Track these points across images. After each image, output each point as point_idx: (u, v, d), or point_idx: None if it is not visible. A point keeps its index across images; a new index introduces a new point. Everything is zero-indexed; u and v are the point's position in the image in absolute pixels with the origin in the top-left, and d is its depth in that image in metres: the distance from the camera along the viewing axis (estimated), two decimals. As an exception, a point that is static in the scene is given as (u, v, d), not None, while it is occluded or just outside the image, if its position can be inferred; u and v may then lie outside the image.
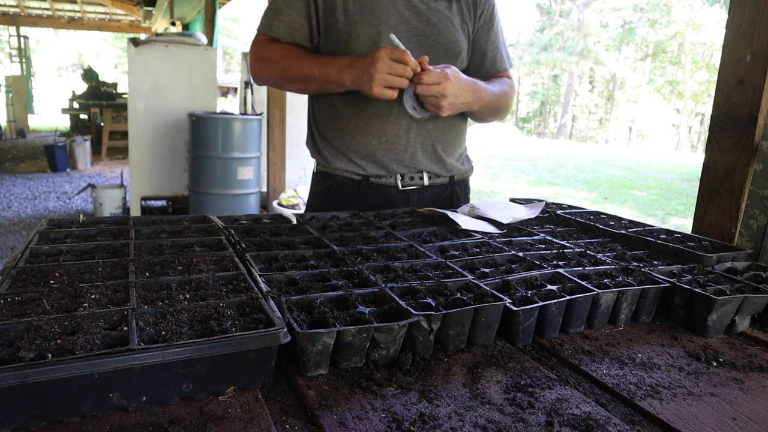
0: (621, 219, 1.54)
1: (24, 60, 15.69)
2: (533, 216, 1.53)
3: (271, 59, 1.54)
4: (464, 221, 1.38)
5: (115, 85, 12.90)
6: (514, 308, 0.86)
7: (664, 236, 1.35)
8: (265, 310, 0.77)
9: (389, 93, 1.35)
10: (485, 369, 0.81)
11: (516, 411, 0.70)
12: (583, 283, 0.97)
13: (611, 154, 17.92)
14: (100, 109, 10.91)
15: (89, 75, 12.83)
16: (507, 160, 14.71)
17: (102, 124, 10.80)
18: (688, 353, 0.90)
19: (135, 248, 1.05)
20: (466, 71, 1.58)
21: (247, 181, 5.25)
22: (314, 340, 0.73)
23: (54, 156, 9.26)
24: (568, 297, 0.91)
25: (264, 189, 5.86)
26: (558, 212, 1.58)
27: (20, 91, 14.32)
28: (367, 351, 0.78)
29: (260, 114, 5.51)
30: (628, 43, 29.10)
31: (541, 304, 0.89)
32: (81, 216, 1.28)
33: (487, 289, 0.91)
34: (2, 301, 0.77)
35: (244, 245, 1.11)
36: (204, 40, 6.05)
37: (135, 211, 5.78)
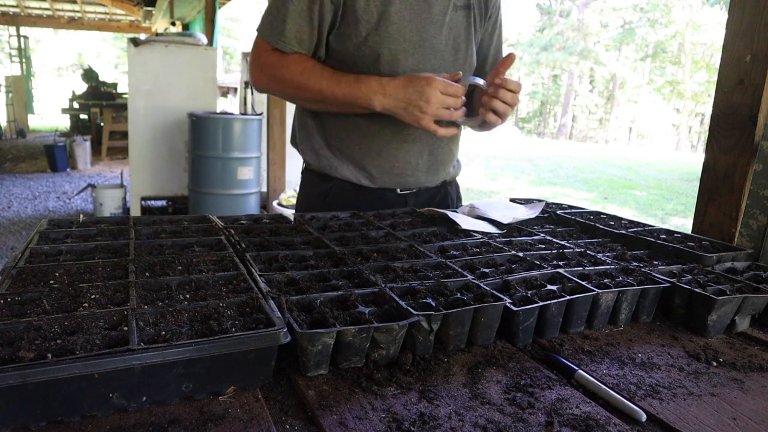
0: (621, 219, 1.54)
1: (24, 60, 15.69)
2: (533, 216, 1.53)
3: (280, 72, 1.41)
4: (464, 221, 1.38)
5: (115, 85, 12.90)
6: (514, 308, 0.86)
7: (664, 236, 1.35)
8: (265, 310, 0.77)
9: (438, 128, 1.30)
10: (485, 369, 0.81)
11: (516, 411, 0.70)
12: (583, 283, 0.97)
13: (611, 154, 17.92)
14: (100, 109, 10.91)
15: (89, 75, 12.83)
16: (507, 160, 14.71)
17: (102, 124, 10.80)
18: (688, 353, 0.90)
19: (135, 248, 1.05)
20: None
21: (247, 181, 5.25)
22: (314, 340, 0.73)
23: (54, 156, 9.27)
24: (568, 297, 0.91)
25: (264, 189, 5.87)
26: (558, 212, 1.58)
27: (20, 91, 14.32)
28: (367, 351, 0.78)
29: (260, 114, 5.51)
30: (628, 43, 29.11)
31: (541, 304, 0.89)
32: (81, 216, 1.28)
33: (487, 289, 0.91)
34: (2, 301, 0.77)
35: (244, 245, 1.11)
36: (204, 40, 6.05)
37: (135, 211, 5.78)
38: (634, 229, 1.40)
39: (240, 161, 5.15)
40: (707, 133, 1.44)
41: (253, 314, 0.77)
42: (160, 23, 12.45)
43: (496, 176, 12.18)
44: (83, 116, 12.54)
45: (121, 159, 10.21)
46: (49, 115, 20.86)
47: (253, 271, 0.94)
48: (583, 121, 33.51)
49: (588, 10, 29.61)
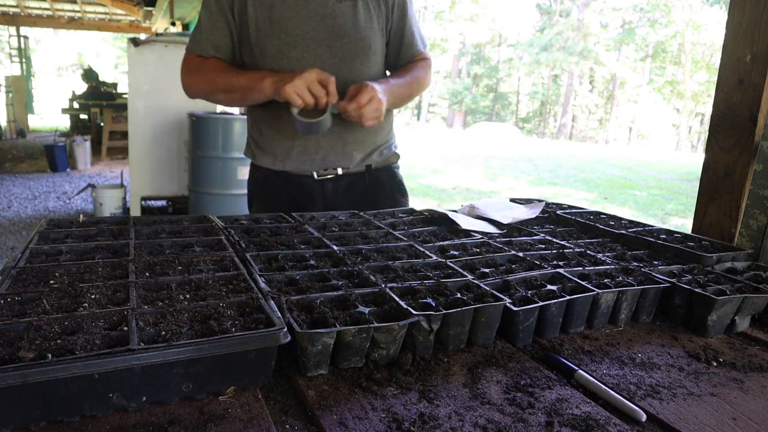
0: (621, 219, 1.54)
1: (24, 60, 15.69)
2: (533, 216, 1.53)
3: (200, 73, 1.66)
4: (464, 221, 1.38)
5: (115, 85, 12.90)
6: (514, 308, 0.86)
7: (664, 236, 1.35)
8: (265, 310, 0.77)
9: (297, 101, 1.43)
10: (485, 369, 0.81)
11: (516, 411, 0.70)
12: (583, 283, 0.97)
13: (611, 154, 17.91)
14: (100, 109, 10.91)
15: (89, 75, 12.83)
16: (507, 160, 14.71)
17: (102, 124, 10.80)
18: (688, 353, 0.90)
19: (135, 248, 1.05)
20: (385, 60, 1.74)
21: (247, 181, 5.25)
22: (314, 340, 0.73)
23: (54, 156, 9.26)
24: (568, 297, 0.91)
25: (264, 189, 5.85)
26: (558, 212, 1.58)
27: (20, 91, 14.32)
28: (367, 351, 0.78)
29: (260, 114, 5.51)
30: (628, 43, 29.10)
31: (541, 304, 0.89)
32: (81, 216, 1.28)
33: (487, 289, 0.91)
34: (2, 301, 0.77)
35: (244, 245, 1.11)
36: (204, 40, 6.03)
37: (135, 211, 5.78)
38: (634, 229, 1.40)
39: (240, 161, 5.15)
40: (707, 133, 1.44)
41: (253, 314, 0.77)
42: (160, 23, 12.44)
43: (496, 176, 12.18)
44: (83, 116, 12.54)
45: (121, 159, 10.21)
46: (49, 115, 20.86)
47: (253, 271, 0.94)
48: (583, 121, 33.51)
49: (588, 10, 29.61)
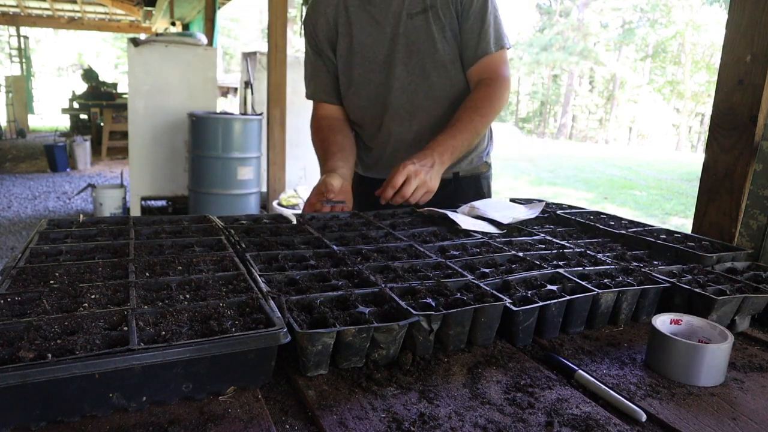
0: (621, 219, 1.54)
1: (24, 60, 15.68)
2: (533, 216, 1.53)
3: (314, 130, 1.78)
4: (464, 221, 1.38)
5: (115, 85, 12.90)
6: (514, 308, 0.86)
7: (664, 236, 1.35)
8: (265, 310, 0.77)
9: (307, 208, 1.53)
10: (485, 369, 0.81)
11: (516, 411, 0.70)
12: (583, 283, 0.97)
13: (611, 154, 17.90)
14: (100, 109, 10.91)
15: (89, 75, 12.83)
16: (507, 160, 14.70)
17: (102, 124, 10.79)
18: (688, 353, 0.90)
19: (135, 248, 1.05)
20: (461, 68, 1.65)
21: (247, 181, 5.25)
22: (314, 340, 0.73)
23: (54, 156, 9.26)
24: (568, 297, 0.91)
25: (264, 189, 5.86)
26: (558, 212, 1.58)
27: (20, 91, 14.31)
28: (367, 351, 0.78)
29: (260, 114, 5.51)
30: (628, 43, 29.09)
31: (541, 304, 0.89)
32: (81, 216, 1.28)
33: (487, 289, 0.91)
34: (2, 301, 0.77)
35: (244, 245, 1.11)
36: (204, 40, 6.05)
37: (135, 211, 5.78)
38: (634, 229, 1.40)
39: (240, 161, 5.15)
40: (707, 133, 1.44)
41: (253, 314, 0.77)
42: (160, 23, 12.45)
43: (496, 176, 12.10)
44: (83, 116, 12.54)
45: (121, 159, 10.21)
46: (49, 115, 20.84)
47: (253, 271, 0.94)
48: (583, 121, 33.50)
49: (588, 10, 29.60)
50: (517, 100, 37.07)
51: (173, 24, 10.17)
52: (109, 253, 1.04)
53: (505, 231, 1.38)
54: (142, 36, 9.47)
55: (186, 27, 11.75)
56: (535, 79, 35.31)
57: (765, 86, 1.28)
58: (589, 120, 33.28)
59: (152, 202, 6.36)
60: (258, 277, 0.91)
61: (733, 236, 1.36)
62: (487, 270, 1.03)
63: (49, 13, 14.00)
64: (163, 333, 0.70)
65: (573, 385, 0.78)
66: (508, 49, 1.66)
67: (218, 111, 5.96)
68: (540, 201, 1.69)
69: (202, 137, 5.08)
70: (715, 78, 1.40)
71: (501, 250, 1.17)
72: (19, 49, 15.45)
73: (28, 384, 0.60)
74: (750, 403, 0.75)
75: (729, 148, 1.37)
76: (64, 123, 15.60)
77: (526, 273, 1.02)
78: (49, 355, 0.62)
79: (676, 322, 0.88)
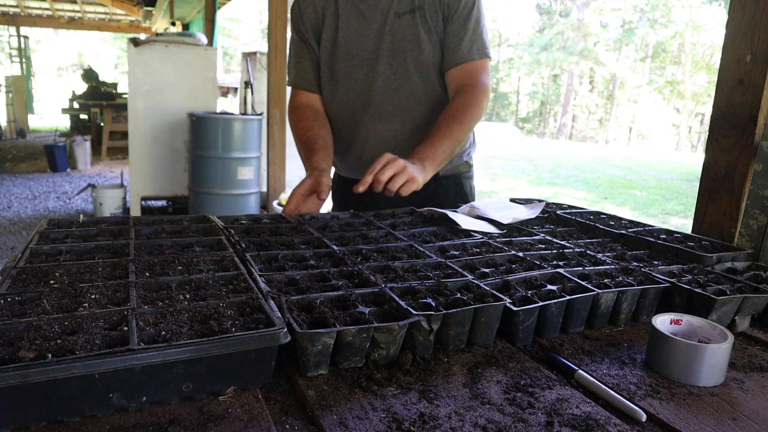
0: (621, 219, 1.54)
1: (24, 60, 15.69)
2: (533, 216, 1.53)
3: (293, 118, 1.79)
4: (464, 221, 1.38)
5: (115, 85, 12.90)
6: (514, 308, 0.86)
7: (664, 236, 1.35)
8: (265, 310, 0.77)
9: (287, 208, 1.53)
10: (485, 369, 0.81)
11: (516, 411, 0.70)
12: (583, 283, 0.97)
13: (611, 154, 17.90)
14: (100, 109, 10.91)
15: (89, 75, 12.83)
16: (507, 160, 14.70)
17: (102, 124, 10.80)
18: (688, 353, 0.90)
19: (135, 248, 1.05)
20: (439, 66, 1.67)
21: (247, 181, 5.25)
22: (314, 340, 0.73)
23: (54, 156, 9.26)
24: (568, 297, 0.91)
25: (264, 189, 5.86)
26: (558, 212, 1.58)
27: (20, 91, 14.32)
28: (367, 351, 0.78)
29: (260, 114, 5.51)
30: (628, 43, 29.10)
31: (541, 304, 0.89)
32: (81, 216, 1.28)
33: (487, 289, 0.91)
34: (2, 301, 0.77)
35: (244, 245, 1.11)
36: (204, 40, 6.05)
37: (135, 211, 5.78)
38: (634, 229, 1.40)
39: (240, 161, 5.15)
40: (707, 133, 1.44)
41: (253, 314, 0.77)
42: (160, 23, 12.45)
43: (496, 176, 12.17)
44: (83, 116, 12.54)
45: (121, 159, 10.21)
46: (49, 115, 20.85)
47: (253, 271, 0.94)
48: (583, 121, 33.49)
49: (588, 10, 29.60)
50: (517, 100, 37.07)
51: (173, 24, 10.17)
52: (109, 253, 1.04)
53: (505, 231, 1.38)
54: (142, 36, 9.47)
55: (186, 27, 11.75)
56: (535, 79, 35.30)
57: (765, 86, 1.28)
58: (589, 120, 33.27)
59: (152, 202, 6.36)
60: (258, 277, 0.91)
61: (733, 236, 1.36)
62: (487, 270, 1.03)
63: (49, 13, 13.99)
64: (163, 333, 0.70)
65: (573, 385, 0.78)
66: (490, 59, 1.67)
67: (218, 111, 5.96)
68: (540, 201, 1.69)
69: (202, 137, 5.08)
70: (715, 78, 1.40)
71: (501, 250, 1.17)
72: (19, 49, 15.45)
73: (28, 384, 0.60)
74: (750, 403, 0.75)
75: (729, 148, 1.37)
76: (64, 123, 15.60)
77: (526, 273, 1.02)
78: (49, 355, 0.62)
79: (676, 322, 0.88)
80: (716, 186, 1.40)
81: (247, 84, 6.31)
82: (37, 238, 1.10)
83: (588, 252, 1.20)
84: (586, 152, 18.56)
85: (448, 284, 0.92)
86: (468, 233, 1.32)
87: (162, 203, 6.38)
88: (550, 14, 32.00)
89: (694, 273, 1.09)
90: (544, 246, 1.24)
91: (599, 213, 1.61)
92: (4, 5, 13.27)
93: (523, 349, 0.89)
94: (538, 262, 1.09)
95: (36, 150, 11.63)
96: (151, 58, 5.54)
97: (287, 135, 5.66)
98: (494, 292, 0.89)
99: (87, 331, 0.70)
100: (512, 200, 1.73)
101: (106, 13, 14.25)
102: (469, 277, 0.97)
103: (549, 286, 0.95)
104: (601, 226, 1.41)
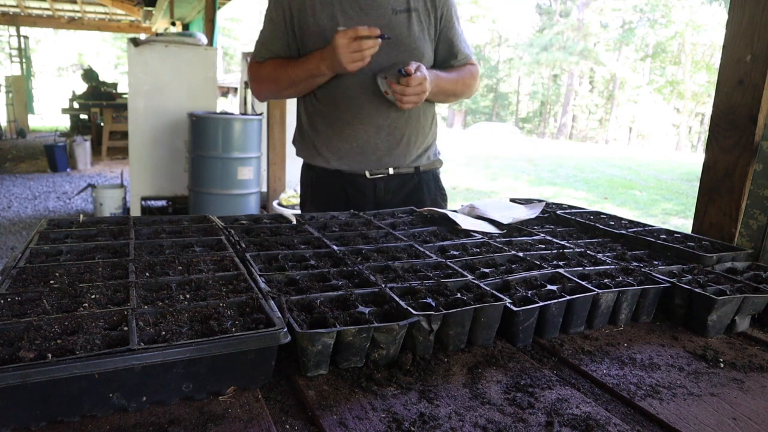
0: (621, 219, 1.54)
1: (24, 60, 15.68)
2: (533, 216, 1.53)
3: (263, 76, 1.78)
4: (464, 221, 1.38)
5: (115, 85, 12.89)
6: (514, 308, 0.86)
7: (664, 236, 1.35)
8: (265, 310, 0.77)
9: (360, 64, 1.55)
10: (485, 369, 0.81)
11: (516, 411, 0.70)
12: (583, 283, 0.97)
13: (611, 154, 17.90)
14: (100, 109, 10.90)
15: (89, 75, 12.83)
16: (507, 160, 14.70)
17: (102, 124, 10.79)
18: (688, 353, 0.90)
19: (135, 248, 1.05)
20: (433, 66, 1.78)
21: (247, 181, 5.25)
22: (314, 340, 0.73)
23: (54, 156, 9.26)
24: (568, 297, 0.91)
25: (264, 189, 5.86)
26: (558, 212, 1.58)
27: (20, 91, 14.31)
28: (367, 351, 0.78)
29: (260, 114, 5.51)
30: (628, 43, 29.09)
31: (541, 304, 0.89)
32: (81, 216, 1.28)
33: (487, 289, 0.91)
34: (2, 301, 0.77)
35: (244, 245, 1.11)
36: (204, 40, 6.04)
37: (135, 211, 5.77)
38: (634, 229, 1.40)
39: (240, 161, 5.15)
40: (707, 133, 1.44)
41: (253, 314, 0.77)
42: (160, 23, 12.44)
43: (496, 176, 12.17)
44: (83, 116, 12.53)
45: (121, 159, 10.20)
46: (49, 115, 20.84)
47: (253, 271, 0.94)
48: (583, 121, 33.48)
49: (588, 10, 29.60)
50: (517, 100, 37.05)
51: (173, 24, 10.16)
52: (109, 253, 1.04)
53: (505, 231, 1.38)
54: (142, 36, 9.47)
55: (186, 27, 11.74)
56: (535, 79, 35.30)
57: (765, 86, 1.28)
58: (589, 120, 33.27)
59: (152, 202, 6.36)
60: (258, 277, 0.91)
61: (733, 236, 1.36)
62: (487, 270, 1.03)
63: (49, 13, 13.99)
64: (163, 333, 0.70)
65: (572, 383, 0.78)
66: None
67: (218, 111, 5.96)
68: (540, 201, 1.69)
69: (202, 137, 5.08)
70: (715, 78, 1.40)
71: (501, 250, 1.17)
72: (19, 49, 15.44)
73: (28, 384, 0.60)
74: (750, 403, 0.75)
75: (729, 148, 1.36)
76: (64, 123, 15.59)
77: (526, 273, 1.02)
78: (49, 355, 0.62)
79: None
80: (716, 186, 1.40)
81: (247, 84, 6.30)
82: (37, 238, 1.10)
83: (588, 252, 1.20)
84: (586, 152, 18.57)
85: (448, 284, 0.92)
86: (468, 233, 1.32)
87: (162, 203, 6.38)
88: (550, 14, 32.00)
89: (694, 273, 1.09)
90: (544, 246, 1.24)
91: (599, 213, 1.61)
92: (4, 5, 13.26)
93: (523, 349, 0.89)
94: (538, 262, 1.09)
95: (36, 150, 11.63)
96: (151, 58, 5.53)
97: (287, 135, 5.67)
98: (494, 292, 0.89)
99: (87, 331, 0.70)
100: (512, 200, 1.73)
101: (106, 13, 14.24)
102: (469, 277, 0.97)
103: (549, 286, 0.95)
104: (601, 226, 1.41)
